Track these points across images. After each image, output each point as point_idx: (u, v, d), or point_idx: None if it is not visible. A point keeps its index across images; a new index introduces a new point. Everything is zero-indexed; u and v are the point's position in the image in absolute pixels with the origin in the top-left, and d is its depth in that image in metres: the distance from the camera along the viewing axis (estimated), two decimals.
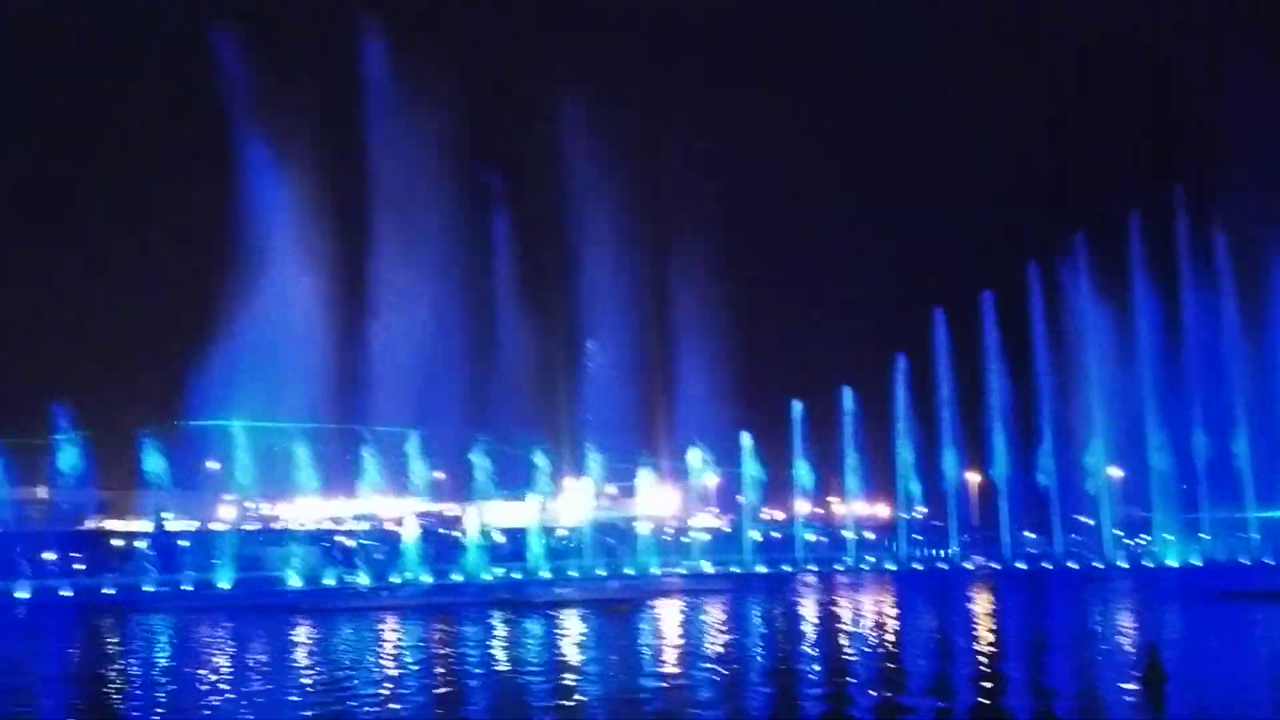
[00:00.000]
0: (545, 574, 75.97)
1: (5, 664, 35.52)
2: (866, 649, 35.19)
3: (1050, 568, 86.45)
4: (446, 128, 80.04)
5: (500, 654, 37.02)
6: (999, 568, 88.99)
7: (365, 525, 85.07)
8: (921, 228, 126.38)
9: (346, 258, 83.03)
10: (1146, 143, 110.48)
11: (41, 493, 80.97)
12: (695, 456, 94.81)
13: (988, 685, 27.39)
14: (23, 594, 59.43)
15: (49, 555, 70.08)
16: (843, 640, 37.86)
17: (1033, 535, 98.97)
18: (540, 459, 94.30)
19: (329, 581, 69.83)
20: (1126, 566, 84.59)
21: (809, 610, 50.80)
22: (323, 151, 79.19)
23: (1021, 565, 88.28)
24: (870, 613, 49.04)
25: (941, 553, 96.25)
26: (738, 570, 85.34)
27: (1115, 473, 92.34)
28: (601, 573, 79.03)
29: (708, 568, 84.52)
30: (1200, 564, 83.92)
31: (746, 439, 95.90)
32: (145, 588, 66.62)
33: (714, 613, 49.66)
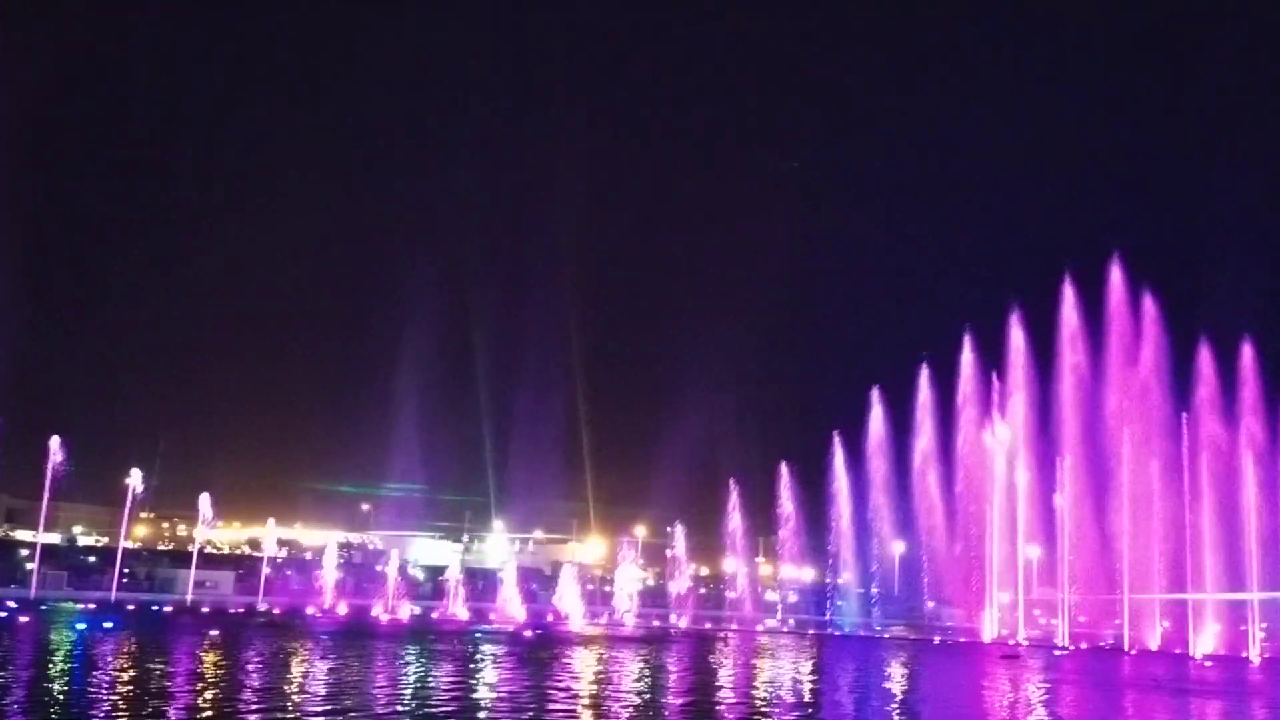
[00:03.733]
0: (463, 614, 71.48)
1: None
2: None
3: (964, 640, 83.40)
4: None
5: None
6: (914, 636, 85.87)
7: (285, 553, 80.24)
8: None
9: None
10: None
11: None
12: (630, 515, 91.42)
13: None
14: None
15: None
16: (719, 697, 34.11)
17: (950, 608, 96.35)
18: (471, 501, 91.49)
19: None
20: (1035, 644, 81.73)
21: (714, 671, 46.65)
22: None
23: (937, 637, 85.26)
24: (773, 675, 45.18)
25: (861, 619, 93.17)
26: (660, 624, 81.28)
27: (1034, 552, 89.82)
28: (520, 616, 74.54)
29: (630, 620, 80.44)
30: (1107, 646, 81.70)
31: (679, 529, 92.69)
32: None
33: (624, 664, 45.57)
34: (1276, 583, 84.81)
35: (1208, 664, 70.87)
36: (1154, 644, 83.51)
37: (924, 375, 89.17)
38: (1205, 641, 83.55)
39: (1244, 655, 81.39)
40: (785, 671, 44.56)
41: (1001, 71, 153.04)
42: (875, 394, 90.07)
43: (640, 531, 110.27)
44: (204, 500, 68.32)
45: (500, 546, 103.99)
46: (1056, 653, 75.17)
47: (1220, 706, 41.70)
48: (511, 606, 76.51)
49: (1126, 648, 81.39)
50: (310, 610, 66.40)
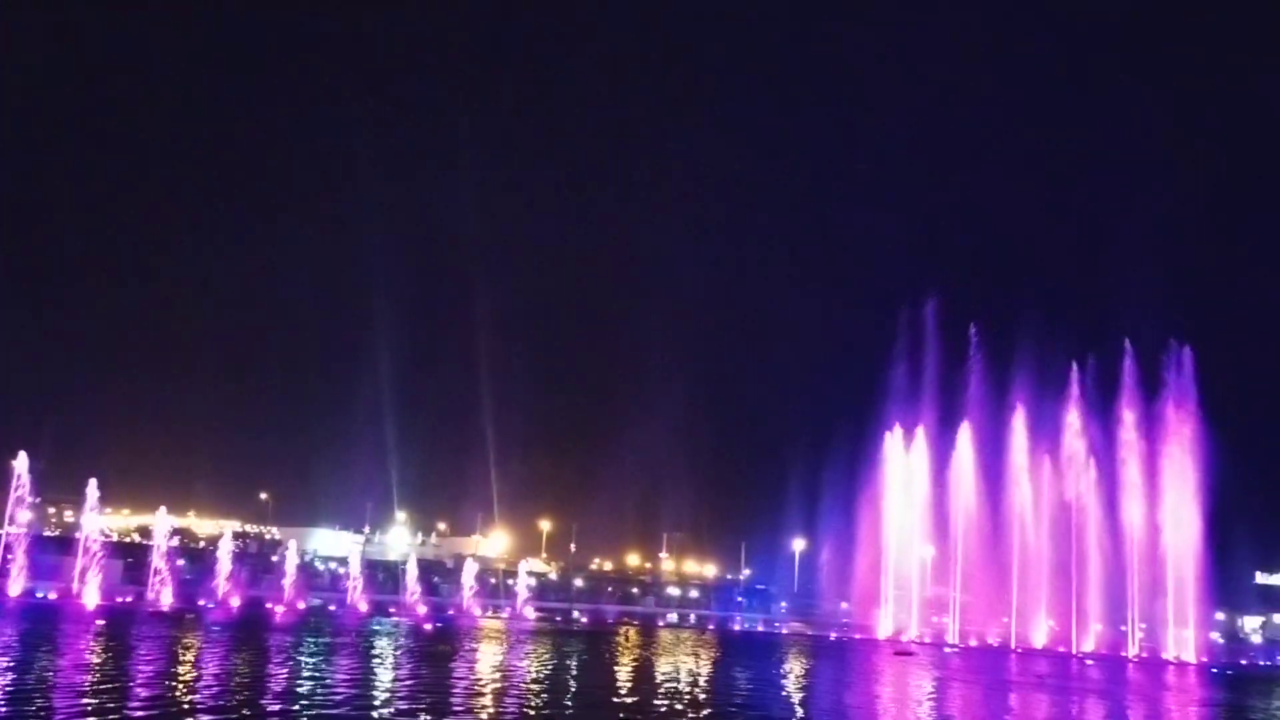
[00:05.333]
0: (362, 607, 70.25)
1: None
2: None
3: (859, 637, 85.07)
4: None
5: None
6: (812, 633, 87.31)
7: (177, 542, 77.77)
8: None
9: None
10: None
11: None
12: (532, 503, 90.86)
13: None
14: None
15: None
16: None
17: (848, 605, 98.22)
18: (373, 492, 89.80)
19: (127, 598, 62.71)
20: (927, 642, 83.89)
21: (610, 665, 46.58)
22: None
23: (834, 633, 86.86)
24: (669, 670, 45.34)
25: (761, 615, 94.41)
26: (561, 618, 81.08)
27: (928, 551, 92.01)
28: (422, 609, 73.55)
29: (530, 613, 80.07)
30: (996, 644, 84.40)
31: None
32: None
33: (522, 658, 45.22)
34: (1155, 589, 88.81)
35: (1089, 662, 73.53)
36: (1039, 642, 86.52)
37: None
38: (1087, 640, 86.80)
39: (1123, 654, 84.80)
40: (680, 666, 44.75)
41: (913, 142, 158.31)
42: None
43: (545, 526, 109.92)
44: (91, 486, 65.88)
45: (402, 539, 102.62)
46: (947, 650, 77.23)
47: (1098, 703, 43.19)
48: (413, 600, 75.58)
49: (1013, 645, 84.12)
50: (202, 602, 64.46)
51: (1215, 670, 76.31)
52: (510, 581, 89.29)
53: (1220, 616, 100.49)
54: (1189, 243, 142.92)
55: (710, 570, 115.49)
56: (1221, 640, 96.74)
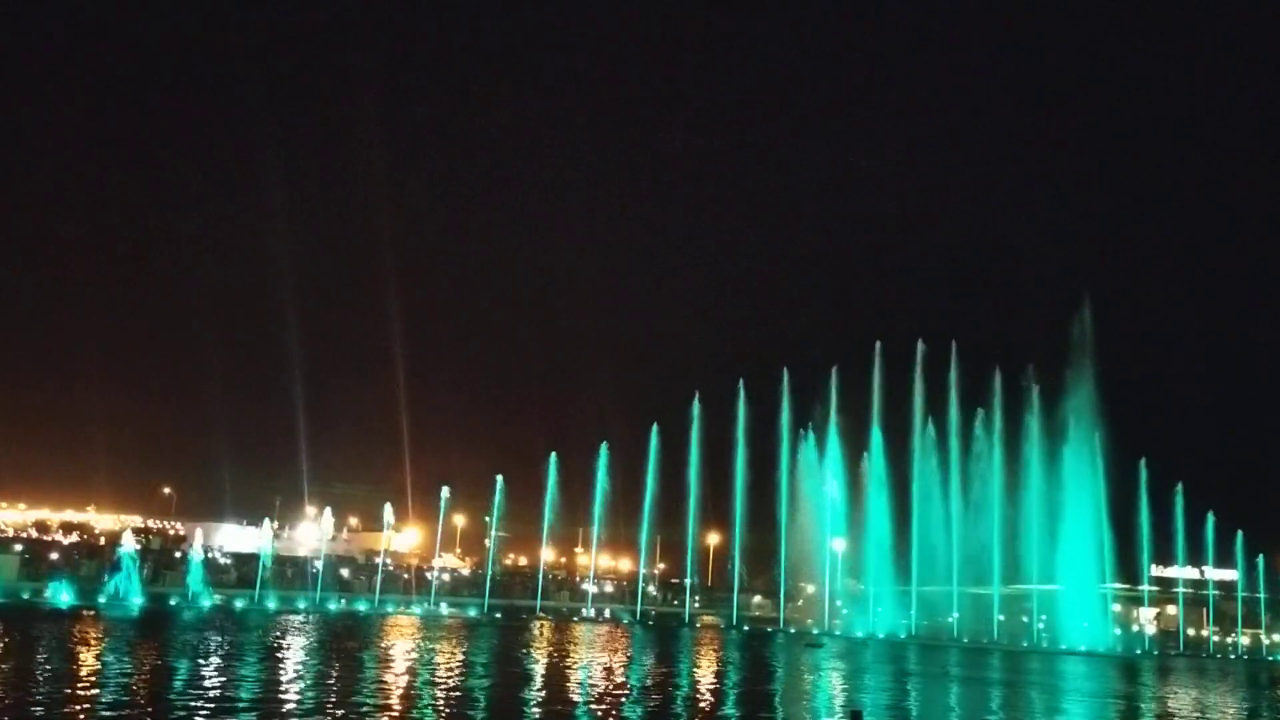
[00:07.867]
0: (270, 603, 68.87)
1: None
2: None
3: (771, 630, 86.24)
4: None
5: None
6: (722, 625, 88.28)
7: (75, 537, 75.16)
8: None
9: None
10: None
11: None
12: (444, 496, 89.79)
13: None
14: None
15: None
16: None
17: (760, 598, 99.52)
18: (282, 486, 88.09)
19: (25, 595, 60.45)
20: (837, 634, 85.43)
21: (512, 663, 46.34)
22: None
23: (746, 625, 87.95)
24: (576, 661, 45.44)
25: (674, 606, 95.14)
26: (475, 613, 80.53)
27: (839, 544, 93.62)
28: (332, 606, 72.40)
29: (443, 608, 79.46)
30: (903, 636, 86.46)
31: (499, 482, 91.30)
32: None
33: (435, 655, 44.79)
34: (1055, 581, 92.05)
35: (992, 653, 75.75)
36: (945, 634, 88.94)
37: (742, 391, 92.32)
38: (990, 631, 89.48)
39: (1025, 644, 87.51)
40: (594, 658, 44.93)
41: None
42: (696, 396, 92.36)
43: (460, 521, 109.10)
44: None
45: (312, 534, 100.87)
46: (856, 641, 78.78)
47: (999, 692, 44.52)
48: (320, 595, 74.41)
49: (920, 637, 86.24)
50: (102, 599, 62.47)
51: (1112, 659, 79.13)
52: (424, 576, 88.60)
53: (1117, 608, 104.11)
54: (1089, 256, 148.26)
55: (626, 565, 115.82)
56: (1118, 631, 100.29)
